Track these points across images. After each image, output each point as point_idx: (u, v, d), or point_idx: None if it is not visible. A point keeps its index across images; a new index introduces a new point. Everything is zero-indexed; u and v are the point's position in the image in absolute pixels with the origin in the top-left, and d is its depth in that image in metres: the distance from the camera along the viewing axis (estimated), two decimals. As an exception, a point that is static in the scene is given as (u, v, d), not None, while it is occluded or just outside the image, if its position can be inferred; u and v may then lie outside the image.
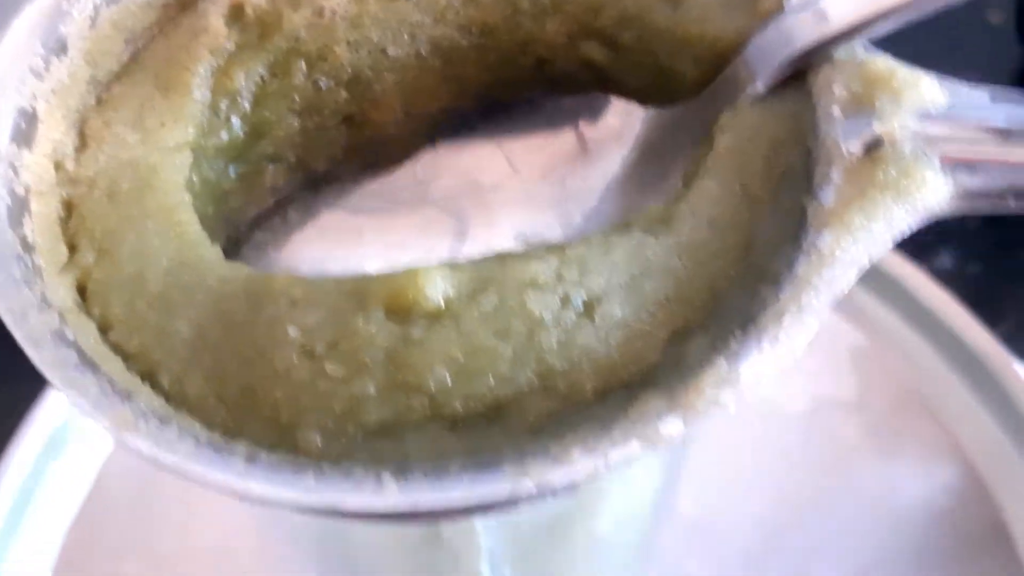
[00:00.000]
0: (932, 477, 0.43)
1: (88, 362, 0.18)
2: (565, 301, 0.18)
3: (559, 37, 0.24)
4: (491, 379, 0.18)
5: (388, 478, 0.16)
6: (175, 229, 0.21)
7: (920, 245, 0.46)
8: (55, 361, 0.18)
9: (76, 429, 0.44)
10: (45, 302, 0.19)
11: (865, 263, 0.18)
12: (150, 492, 0.44)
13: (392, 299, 0.18)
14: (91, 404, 0.17)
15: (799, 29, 0.20)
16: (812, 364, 0.46)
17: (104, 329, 0.19)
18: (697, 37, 0.22)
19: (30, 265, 0.19)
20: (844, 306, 0.47)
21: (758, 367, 0.17)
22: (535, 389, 0.18)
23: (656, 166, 0.23)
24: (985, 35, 0.54)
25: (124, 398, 0.17)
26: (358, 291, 0.19)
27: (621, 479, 0.25)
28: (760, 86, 0.21)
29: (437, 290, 0.18)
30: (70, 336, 0.18)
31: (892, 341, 0.47)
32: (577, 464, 0.16)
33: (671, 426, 0.16)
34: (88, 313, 0.19)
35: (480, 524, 0.22)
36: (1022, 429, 0.43)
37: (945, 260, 0.48)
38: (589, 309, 0.18)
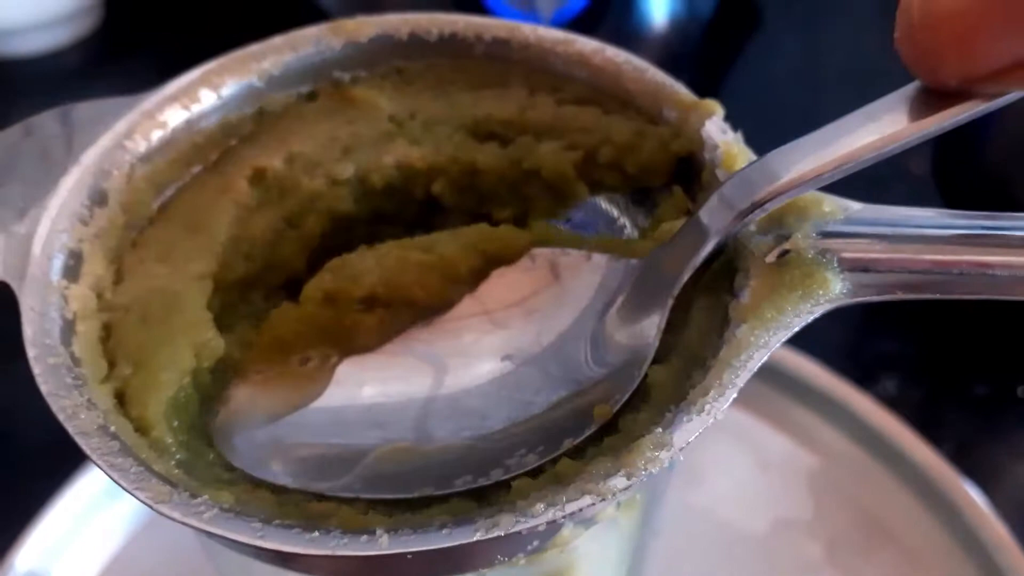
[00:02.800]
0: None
1: (128, 450, 0.21)
2: None
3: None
4: None
5: (381, 532, 0.19)
6: (198, 344, 0.25)
7: (865, 372, 0.51)
8: (101, 449, 0.21)
9: (79, 533, 0.46)
10: (92, 404, 0.22)
11: (774, 345, 0.22)
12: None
13: None
14: (131, 483, 0.20)
15: (750, 188, 0.23)
16: (770, 487, 0.49)
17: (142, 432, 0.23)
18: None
19: (79, 375, 0.23)
20: (798, 432, 0.51)
21: (687, 432, 0.21)
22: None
23: (626, 320, 0.26)
24: (907, 183, 0.60)
25: (159, 478, 0.21)
26: None
27: (591, 559, 0.28)
28: (716, 237, 0.24)
29: None
30: (112, 430, 0.22)
31: (844, 463, 0.50)
32: (540, 516, 0.19)
33: (616, 481, 0.20)
34: (126, 415, 0.23)
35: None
36: (972, 541, 0.46)
37: (889, 386, 0.52)
38: None
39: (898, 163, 0.64)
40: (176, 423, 0.23)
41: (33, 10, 0.72)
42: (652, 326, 0.24)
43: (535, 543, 0.21)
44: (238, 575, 0.30)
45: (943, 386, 0.54)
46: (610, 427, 0.23)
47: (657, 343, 0.24)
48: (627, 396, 0.23)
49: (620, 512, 0.26)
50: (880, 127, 0.21)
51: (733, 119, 0.28)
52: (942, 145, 0.57)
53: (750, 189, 0.23)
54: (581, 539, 0.25)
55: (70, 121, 0.27)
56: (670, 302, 0.24)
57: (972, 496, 0.46)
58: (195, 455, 0.23)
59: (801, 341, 0.51)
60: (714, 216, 0.23)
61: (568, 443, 0.23)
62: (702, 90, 0.29)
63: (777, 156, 0.23)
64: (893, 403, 0.49)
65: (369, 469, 0.23)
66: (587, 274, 0.26)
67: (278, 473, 0.23)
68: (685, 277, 0.24)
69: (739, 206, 0.23)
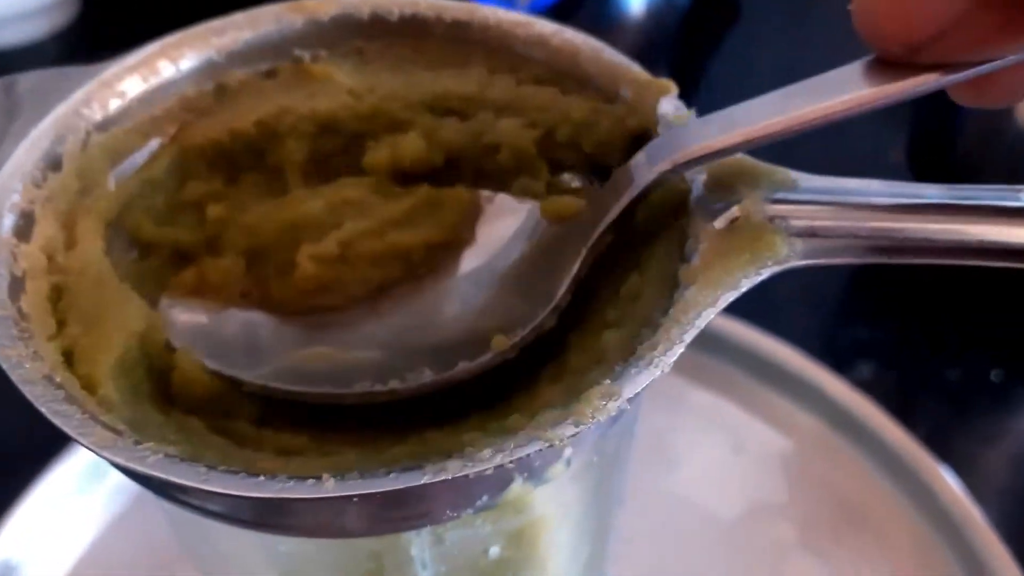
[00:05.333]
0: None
1: (73, 399, 0.21)
2: None
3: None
4: None
5: (327, 476, 0.19)
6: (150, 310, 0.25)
7: (840, 358, 0.51)
8: (45, 396, 0.21)
9: (54, 524, 0.46)
10: (38, 356, 0.22)
11: (722, 304, 0.22)
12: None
13: None
14: (75, 429, 0.20)
15: (671, 149, 0.24)
16: (745, 471, 0.49)
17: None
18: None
19: (25, 328, 0.23)
20: (772, 416, 0.51)
21: (635, 384, 0.20)
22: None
23: (543, 264, 0.27)
24: (886, 171, 0.60)
25: (104, 427, 0.20)
26: None
27: (552, 538, 0.28)
28: (635, 192, 0.24)
29: None
30: (57, 380, 0.22)
31: (819, 447, 0.50)
32: (488, 461, 0.19)
33: (564, 429, 0.20)
34: (73, 373, 0.23)
35: (419, 562, 0.24)
36: (946, 524, 0.46)
37: (864, 371, 0.52)
38: None
39: (877, 150, 0.64)
40: (123, 384, 0.23)
41: (9, 2, 0.72)
42: (564, 273, 0.25)
43: (484, 497, 0.20)
44: (209, 557, 0.30)
45: (918, 371, 0.54)
46: (560, 384, 0.23)
47: (565, 289, 0.25)
48: (527, 331, 0.24)
49: (574, 473, 0.26)
50: (817, 98, 0.22)
51: (712, 109, 0.27)
52: (917, 133, 0.57)
53: (672, 150, 0.23)
54: (538, 501, 0.24)
55: (14, 93, 0.27)
56: (584, 251, 0.25)
57: (946, 479, 0.46)
58: (141, 417, 0.23)
59: (777, 327, 0.52)
60: (638, 171, 0.24)
61: (463, 366, 0.24)
62: (681, 80, 0.28)
63: (708, 121, 0.23)
64: (868, 388, 0.49)
65: (286, 364, 0.25)
66: (512, 218, 0.28)
67: (201, 352, 0.25)
68: (601, 228, 0.25)
69: (660, 166, 0.23)
